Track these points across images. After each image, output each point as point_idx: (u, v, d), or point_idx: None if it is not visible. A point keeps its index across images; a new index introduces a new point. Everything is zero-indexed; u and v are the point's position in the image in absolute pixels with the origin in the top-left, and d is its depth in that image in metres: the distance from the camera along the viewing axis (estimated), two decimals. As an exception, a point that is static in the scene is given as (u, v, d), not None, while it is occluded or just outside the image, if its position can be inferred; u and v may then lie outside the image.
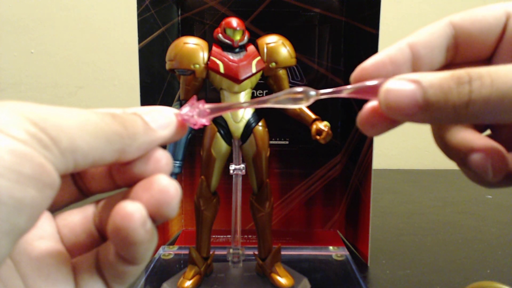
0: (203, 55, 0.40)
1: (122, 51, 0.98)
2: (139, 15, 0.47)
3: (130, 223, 0.16)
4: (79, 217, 0.20)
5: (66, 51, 0.99)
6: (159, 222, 0.18)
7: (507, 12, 0.20)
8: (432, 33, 0.21)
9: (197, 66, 0.40)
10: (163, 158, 0.19)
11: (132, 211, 0.16)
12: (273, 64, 0.42)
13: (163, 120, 0.19)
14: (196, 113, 0.20)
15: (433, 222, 0.65)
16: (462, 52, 0.21)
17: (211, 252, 0.45)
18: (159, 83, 0.52)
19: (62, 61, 0.99)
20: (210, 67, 0.40)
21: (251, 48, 0.42)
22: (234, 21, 0.40)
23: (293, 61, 0.42)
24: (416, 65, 0.20)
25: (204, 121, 0.21)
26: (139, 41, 0.47)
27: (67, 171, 0.16)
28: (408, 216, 0.67)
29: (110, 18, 0.98)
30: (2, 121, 0.14)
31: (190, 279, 0.43)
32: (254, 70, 0.40)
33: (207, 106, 0.21)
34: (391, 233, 0.60)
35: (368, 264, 0.50)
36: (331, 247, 0.54)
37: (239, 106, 0.23)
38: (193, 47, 0.40)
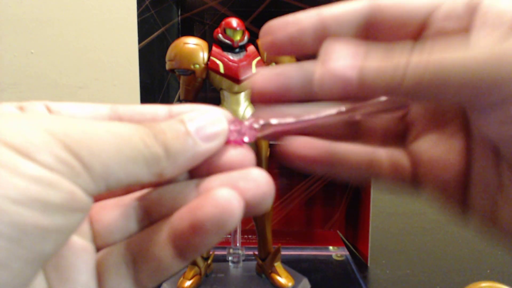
0: (203, 55, 0.40)
1: (122, 51, 0.98)
2: (139, 15, 0.47)
3: (230, 213, 0.15)
4: (117, 210, 0.17)
5: (66, 51, 0.99)
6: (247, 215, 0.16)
7: None
8: (346, 10, 0.19)
9: (197, 66, 0.40)
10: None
11: (234, 200, 0.15)
12: (273, 64, 0.42)
13: (213, 128, 0.16)
14: (244, 128, 0.18)
15: (433, 222, 0.65)
16: (378, 32, 0.19)
17: (211, 252, 0.45)
18: (159, 83, 0.52)
19: (62, 61, 0.99)
20: (210, 67, 0.40)
21: (251, 48, 0.42)
22: (234, 21, 0.40)
23: (292, 61, 0.42)
24: (320, 35, 0.20)
25: (247, 139, 0.18)
26: (139, 41, 0.47)
27: (98, 193, 0.14)
28: (408, 216, 0.67)
29: (110, 18, 0.98)
30: (29, 142, 0.12)
31: (190, 279, 0.43)
32: (254, 70, 0.40)
33: (261, 121, 0.18)
34: (391, 233, 0.60)
35: (368, 264, 0.50)
36: (331, 247, 0.54)
37: (313, 120, 0.18)
38: (193, 47, 0.40)
